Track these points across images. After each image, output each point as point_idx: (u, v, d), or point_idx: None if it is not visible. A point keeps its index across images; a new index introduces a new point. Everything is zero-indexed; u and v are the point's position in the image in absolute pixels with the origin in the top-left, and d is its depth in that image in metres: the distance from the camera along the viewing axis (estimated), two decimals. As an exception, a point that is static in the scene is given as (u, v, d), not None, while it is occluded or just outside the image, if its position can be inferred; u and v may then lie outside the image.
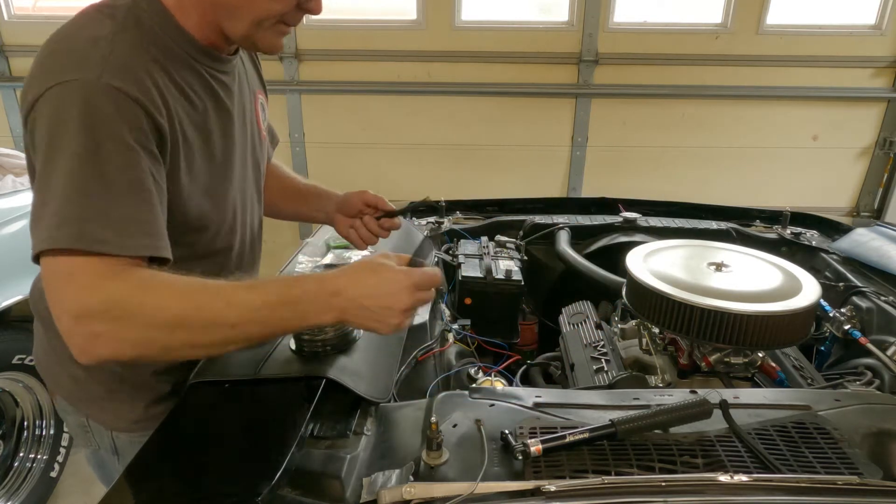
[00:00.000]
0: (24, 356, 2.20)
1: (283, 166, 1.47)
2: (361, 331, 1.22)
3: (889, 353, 1.44)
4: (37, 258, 0.84)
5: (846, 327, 1.56)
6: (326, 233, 1.76)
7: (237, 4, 0.93)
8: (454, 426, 0.99)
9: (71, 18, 0.91)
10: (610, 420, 0.94)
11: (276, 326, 0.91)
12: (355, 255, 1.53)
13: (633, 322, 1.58)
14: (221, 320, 0.86)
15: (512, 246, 2.01)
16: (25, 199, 2.33)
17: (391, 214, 1.27)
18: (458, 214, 2.30)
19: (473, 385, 1.41)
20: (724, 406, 1.00)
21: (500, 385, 1.39)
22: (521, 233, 2.15)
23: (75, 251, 0.80)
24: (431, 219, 2.24)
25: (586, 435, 0.92)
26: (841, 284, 1.77)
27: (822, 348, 1.68)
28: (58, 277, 0.82)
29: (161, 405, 1.16)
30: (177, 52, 0.95)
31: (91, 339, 0.82)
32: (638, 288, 1.36)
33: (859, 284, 1.73)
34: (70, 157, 0.81)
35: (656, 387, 1.34)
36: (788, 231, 2.15)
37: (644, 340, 1.48)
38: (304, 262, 1.56)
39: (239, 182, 1.14)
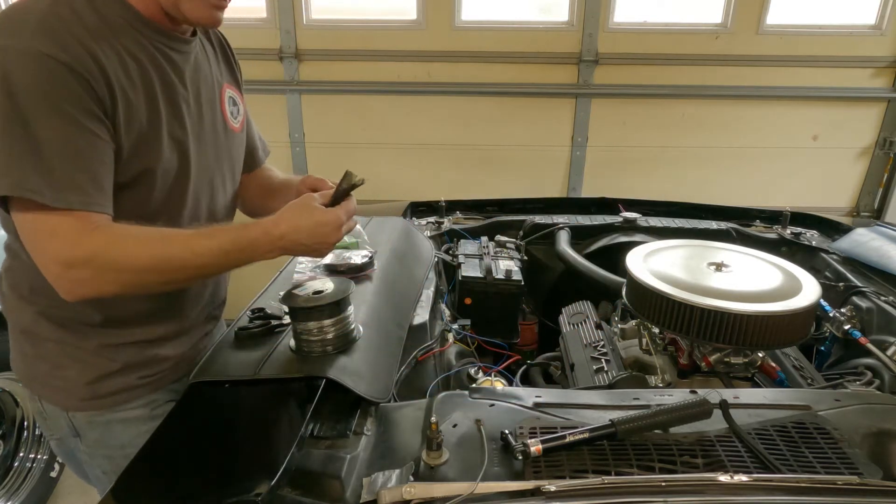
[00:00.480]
0: (24, 356, 2.19)
1: (273, 169, 1.47)
2: (361, 330, 1.23)
3: (889, 353, 1.44)
4: (1, 203, 0.94)
5: (846, 327, 1.56)
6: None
7: None
8: (454, 426, 0.99)
9: None
10: (610, 420, 0.94)
11: (230, 265, 1.09)
12: (355, 256, 1.53)
13: (633, 322, 1.58)
14: (187, 264, 1.01)
15: (512, 246, 2.01)
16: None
17: (341, 196, 1.13)
18: (458, 214, 2.30)
19: (473, 385, 1.41)
20: (724, 406, 1.00)
21: (500, 385, 1.40)
22: (521, 233, 2.15)
23: (51, 208, 0.90)
24: (431, 219, 2.24)
25: (586, 435, 0.92)
26: (841, 284, 1.77)
27: (822, 348, 1.68)
28: (41, 233, 0.93)
29: (109, 381, 1.16)
30: (118, 23, 0.99)
31: (77, 284, 0.96)
32: (638, 288, 1.36)
33: (859, 284, 1.73)
34: (11, 121, 0.88)
35: (656, 387, 1.34)
36: (788, 231, 2.15)
37: (644, 340, 1.48)
38: (304, 262, 1.56)
39: (196, 163, 1.14)
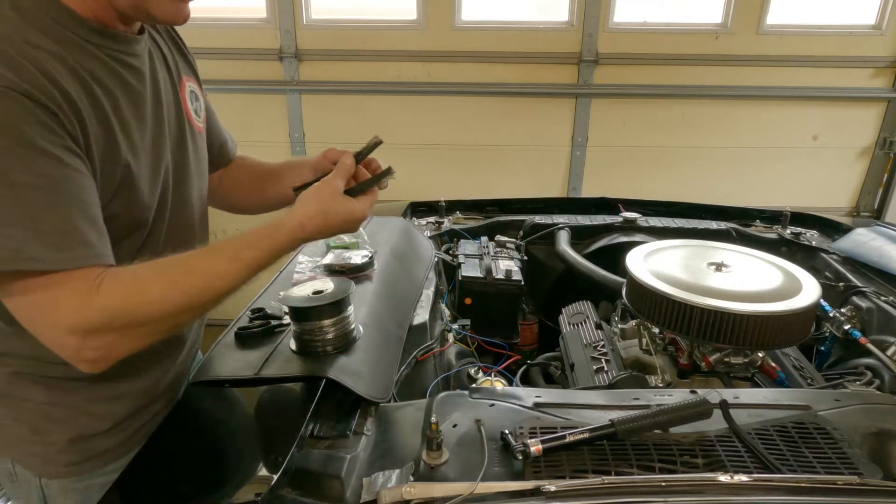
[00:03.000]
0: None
1: (253, 157, 1.38)
2: (361, 330, 1.22)
3: (889, 353, 1.44)
4: None
5: (846, 327, 1.56)
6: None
7: None
8: (454, 426, 0.99)
9: None
10: (610, 420, 0.94)
11: (254, 271, 0.95)
12: (355, 256, 1.53)
13: (633, 322, 1.58)
14: (220, 291, 0.91)
15: (512, 246, 2.01)
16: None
17: (358, 160, 1.14)
18: (458, 214, 2.30)
19: (473, 385, 1.41)
20: (724, 406, 1.00)
21: (500, 385, 1.40)
22: (521, 233, 2.15)
23: (47, 273, 0.77)
24: (431, 219, 2.24)
25: (586, 435, 0.92)
26: (841, 284, 1.77)
27: (822, 348, 1.68)
28: (41, 306, 0.79)
29: (95, 442, 1.03)
30: (67, 36, 0.83)
31: (101, 352, 0.82)
32: (638, 288, 1.36)
33: (859, 284, 1.73)
34: None
35: (656, 387, 1.34)
36: (788, 231, 2.15)
37: (644, 340, 1.48)
38: (304, 262, 1.56)
39: (173, 176, 1.04)
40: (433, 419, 0.90)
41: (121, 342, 0.84)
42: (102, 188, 0.86)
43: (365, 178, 1.11)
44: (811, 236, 2.12)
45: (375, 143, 1.13)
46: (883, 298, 1.63)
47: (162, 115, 1.01)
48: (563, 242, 1.99)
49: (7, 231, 0.74)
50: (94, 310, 0.80)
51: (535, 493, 0.83)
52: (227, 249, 0.92)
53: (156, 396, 1.11)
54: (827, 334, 1.65)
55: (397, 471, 0.90)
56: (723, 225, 2.16)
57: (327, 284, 1.18)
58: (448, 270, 1.93)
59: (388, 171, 1.12)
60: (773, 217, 2.27)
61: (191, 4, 0.92)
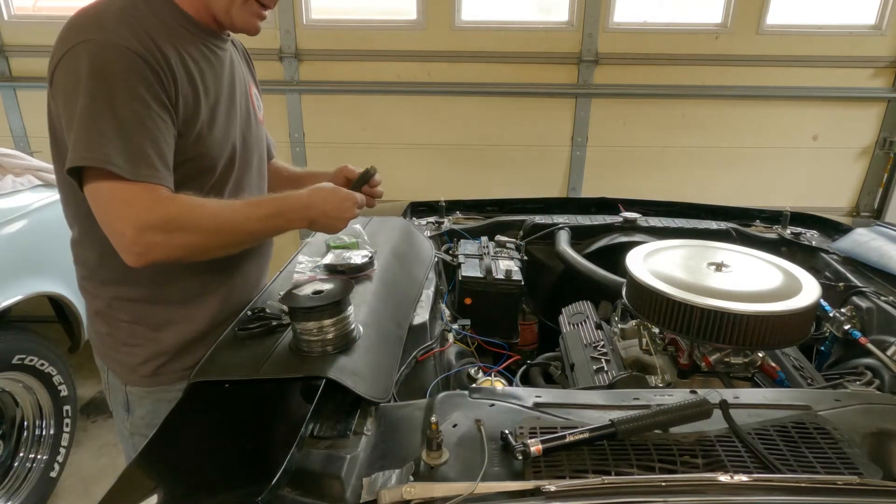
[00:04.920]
0: (24, 356, 2.19)
1: (282, 162, 1.63)
2: (361, 330, 1.23)
3: (889, 353, 1.44)
4: (75, 176, 1.05)
5: (846, 327, 1.56)
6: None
7: None
8: (454, 426, 0.99)
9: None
10: (610, 420, 0.94)
11: (271, 231, 1.24)
12: (355, 256, 1.53)
13: (633, 322, 1.58)
14: (241, 228, 1.15)
15: (512, 246, 2.01)
16: (25, 199, 2.33)
17: (359, 183, 1.40)
18: (458, 214, 2.31)
19: (473, 385, 1.41)
20: (724, 406, 1.00)
21: (500, 385, 1.39)
22: (521, 233, 2.15)
23: (127, 180, 1.01)
24: (431, 219, 2.24)
25: (586, 435, 0.92)
26: (841, 284, 1.77)
27: (822, 348, 1.68)
28: (116, 202, 1.03)
29: (166, 360, 1.28)
30: (173, 25, 1.13)
31: (149, 247, 1.04)
32: (638, 288, 1.36)
33: (859, 284, 1.73)
34: (87, 98, 1.00)
35: (656, 387, 1.34)
36: (788, 231, 2.15)
37: (644, 340, 1.48)
38: (304, 262, 1.56)
39: (241, 152, 1.28)
40: (433, 419, 0.90)
41: (163, 246, 1.05)
42: (185, 134, 1.13)
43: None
44: (811, 236, 2.12)
45: (370, 174, 1.40)
46: (883, 298, 1.63)
47: (235, 97, 1.28)
48: (563, 242, 1.99)
49: (102, 140, 1.00)
50: (154, 213, 1.03)
51: (535, 493, 0.83)
52: (251, 199, 1.19)
53: (216, 326, 1.30)
54: (827, 334, 1.65)
55: (397, 471, 0.90)
56: (723, 225, 2.16)
57: (327, 284, 1.18)
58: (448, 270, 1.93)
59: (368, 171, 1.39)
60: (773, 217, 2.27)
61: None
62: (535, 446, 0.89)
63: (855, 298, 1.69)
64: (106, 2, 1.09)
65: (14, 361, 2.17)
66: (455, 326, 1.63)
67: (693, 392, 1.09)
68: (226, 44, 1.26)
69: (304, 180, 1.45)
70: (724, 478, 0.84)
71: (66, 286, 2.22)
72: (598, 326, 1.63)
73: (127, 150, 1.01)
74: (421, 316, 1.50)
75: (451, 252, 1.97)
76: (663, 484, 0.83)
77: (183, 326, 1.28)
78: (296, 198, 1.22)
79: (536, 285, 2.06)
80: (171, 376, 1.28)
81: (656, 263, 1.42)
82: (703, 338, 1.25)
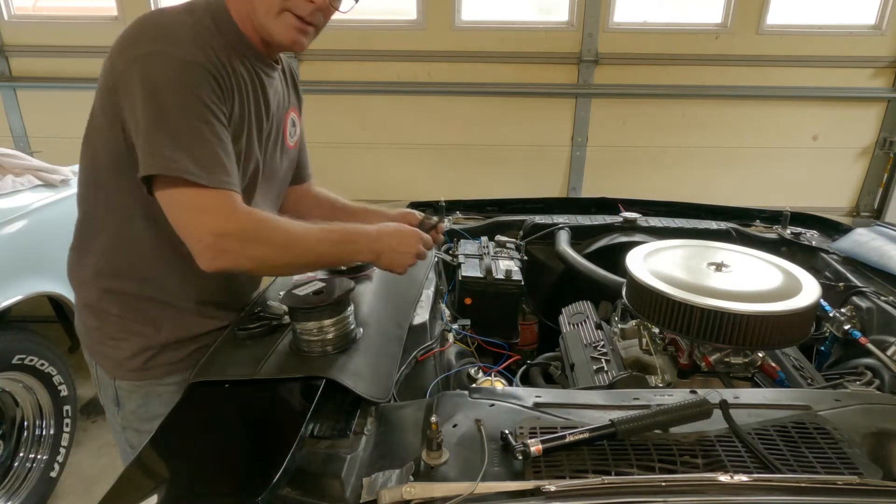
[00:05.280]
0: (24, 356, 2.19)
1: (327, 191, 1.62)
2: (361, 331, 1.23)
3: (889, 353, 1.44)
4: (147, 183, 1.06)
5: (846, 327, 1.56)
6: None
7: None
8: (454, 426, 0.99)
9: (160, 9, 1.15)
10: (610, 420, 0.94)
11: (337, 257, 1.27)
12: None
13: (633, 322, 1.58)
14: (310, 248, 1.16)
15: (512, 246, 2.01)
16: (25, 199, 2.33)
17: (428, 227, 1.40)
18: (458, 214, 2.30)
19: (473, 385, 1.41)
20: (724, 406, 1.00)
21: (500, 385, 1.39)
22: (521, 233, 2.15)
23: (205, 187, 1.03)
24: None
25: (586, 435, 0.92)
26: (841, 284, 1.77)
27: (822, 348, 1.68)
28: (195, 209, 1.05)
29: (154, 354, 1.27)
30: (234, 47, 1.17)
31: (223, 253, 1.05)
32: (638, 288, 1.36)
33: (859, 284, 1.73)
34: (161, 107, 1.03)
35: (656, 387, 1.34)
36: (788, 231, 2.15)
37: (644, 340, 1.48)
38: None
39: (262, 177, 1.29)
40: (433, 419, 0.90)
41: (236, 254, 1.06)
42: None
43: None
44: (811, 236, 2.12)
45: (434, 222, 1.42)
46: (883, 298, 1.63)
47: (269, 121, 1.29)
48: (563, 242, 1.99)
49: (180, 150, 1.03)
50: (233, 221, 1.06)
51: (535, 493, 0.83)
52: (321, 222, 1.19)
53: (205, 327, 1.30)
54: (827, 334, 1.64)
55: (397, 471, 0.90)
56: (723, 225, 2.16)
57: (327, 284, 1.18)
58: (448, 270, 1.93)
59: (431, 219, 1.42)
60: (773, 217, 2.27)
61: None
62: (535, 446, 0.89)
63: (855, 298, 1.69)
64: (178, 14, 1.12)
65: (14, 361, 2.17)
66: (455, 326, 1.63)
67: (693, 392, 1.09)
68: (274, 71, 1.28)
69: (361, 215, 1.50)
70: (724, 478, 0.84)
71: (66, 286, 2.20)
72: (598, 326, 1.63)
73: (202, 158, 1.04)
74: (421, 316, 1.50)
75: (451, 252, 1.97)
76: (663, 484, 0.83)
77: (173, 324, 1.27)
78: (365, 229, 1.24)
79: (536, 285, 2.06)
80: (159, 370, 1.28)
81: (656, 263, 1.42)
82: (703, 338, 1.25)
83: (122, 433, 1.34)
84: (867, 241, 1.87)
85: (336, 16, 1.32)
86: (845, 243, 1.93)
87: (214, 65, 1.09)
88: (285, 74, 1.38)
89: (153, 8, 3.89)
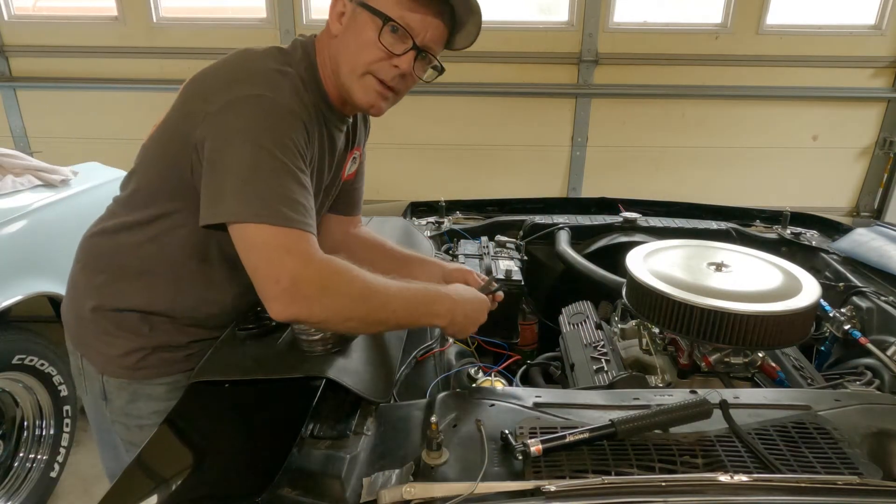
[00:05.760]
0: (24, 356, 2.19)
1: (377, 234, 1.60)
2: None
3: (889, 353, 1.44)
4: (219, 223, 1.03)
5: (846, 327, 1.56)
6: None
7: (337, 53, 1.16)
8: (454, 426, 0.99)
9: (257, 50, 1.17)
10: (610, 420, 0.94)
11: (410, 318, 1.17)
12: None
13: (633, 322, 1.58)
14: (385, 305, 1.08)
15: (512, 246, 2.01)
16: (25, 199, 2.33)
17: (489, 291, 1.34)
18: (458, 214, 2.30)
19: (473, 385, 1.41)
20: (724, 406, 1.00)
21: (500, 385, 1.39)
22: (521, 233, 2.15)
23: (286, 227, 1.00)
24: (431, 219, 2.24)
25: (586, 435, 0.92)
26: (841, 284, 1.77)
27: (822, 348, 1.68)
28: (275, 250, 1.00)
29: (145, 354, 1.26)
30: (318, 103, 1.19)
31: (297, 299, 0.99)
32: (638, 288, 1.36)
33: (859, 284, 1.73)
34: (258, 149, 1.02)
35: (656, 387, 1.34)
36: (788, 231, 2.15)
37: (644, 340, 1.48)
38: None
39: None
40: (433, 419, 0.91)
41: (310, 302, 1.00)
42: None
43: None
44: (811, 236, 2.12)
45: (495, 288, 1.35)
46: (883, 298, 1.63)
47: (329, 172, 1.30)
48: (563, 242, 1.99)
49: (264, 191, 1.01)
50: (312, 267, 1.01)
51: (535, 493, 0.83)
52: (401, 281, 1.14)
53: (200, 332, 1.29)
54: (827, 334, 1.64)
55: (397, 471, 0.90)
56: (723, 225, 2.16)
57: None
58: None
59: (493, 285, 1.35)
60: (773, 217, 2.27)
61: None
62: (535, 446, 0.89)
63: (855, 298, 1.69)
64: (275, 59, 1.15)
65: (14, 361, 2.17)
66: (455, 326, 1.63)
67: (693, 392, 1.09)
68: (343, 125, 1.30)
69: (417, 265, 1.47)
70: (724, 478, 0.84)
71: (65, 286, 2.22)
72: (598, 326, 1.63)
73: (287, 198, 1.02)
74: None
75: (451, 252, 1.97)
76: (663, 484, 0.83)
77: (170, 328, 1.27)
78: (444, 292, 1.19)
79: (536, 285, 2.06)
80: (150, 371, 1.27)
81: (656, 263, 1.42)
82: (703, 338, 1.25)
83: (112, 427, 1.34)
84: (867, 241, 1.87)
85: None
86: (845, 243, 1.93)
87: (307, 117, 1.11)
88: (356, 116, 1.39)
89: (153, 8, 3.91)
